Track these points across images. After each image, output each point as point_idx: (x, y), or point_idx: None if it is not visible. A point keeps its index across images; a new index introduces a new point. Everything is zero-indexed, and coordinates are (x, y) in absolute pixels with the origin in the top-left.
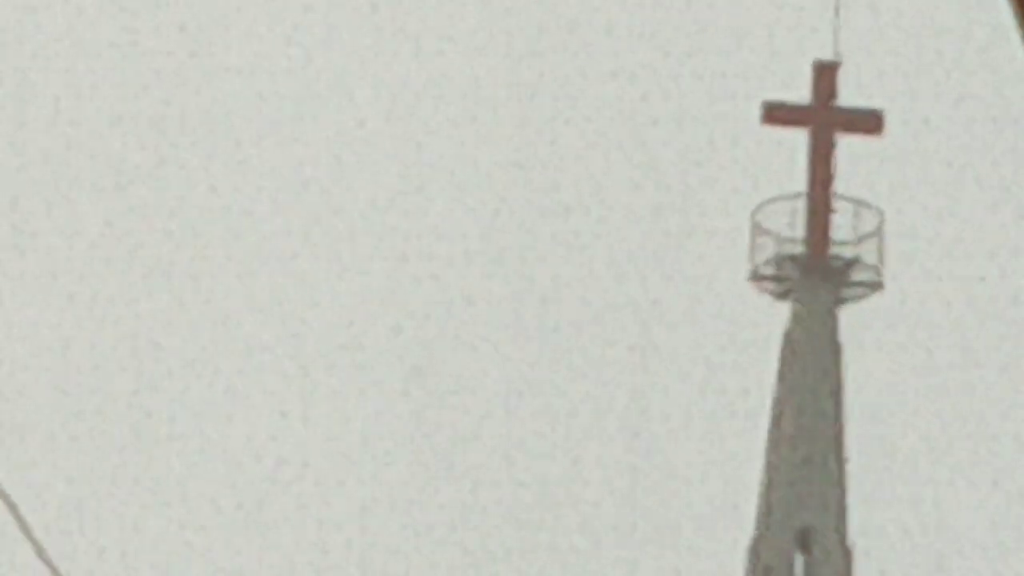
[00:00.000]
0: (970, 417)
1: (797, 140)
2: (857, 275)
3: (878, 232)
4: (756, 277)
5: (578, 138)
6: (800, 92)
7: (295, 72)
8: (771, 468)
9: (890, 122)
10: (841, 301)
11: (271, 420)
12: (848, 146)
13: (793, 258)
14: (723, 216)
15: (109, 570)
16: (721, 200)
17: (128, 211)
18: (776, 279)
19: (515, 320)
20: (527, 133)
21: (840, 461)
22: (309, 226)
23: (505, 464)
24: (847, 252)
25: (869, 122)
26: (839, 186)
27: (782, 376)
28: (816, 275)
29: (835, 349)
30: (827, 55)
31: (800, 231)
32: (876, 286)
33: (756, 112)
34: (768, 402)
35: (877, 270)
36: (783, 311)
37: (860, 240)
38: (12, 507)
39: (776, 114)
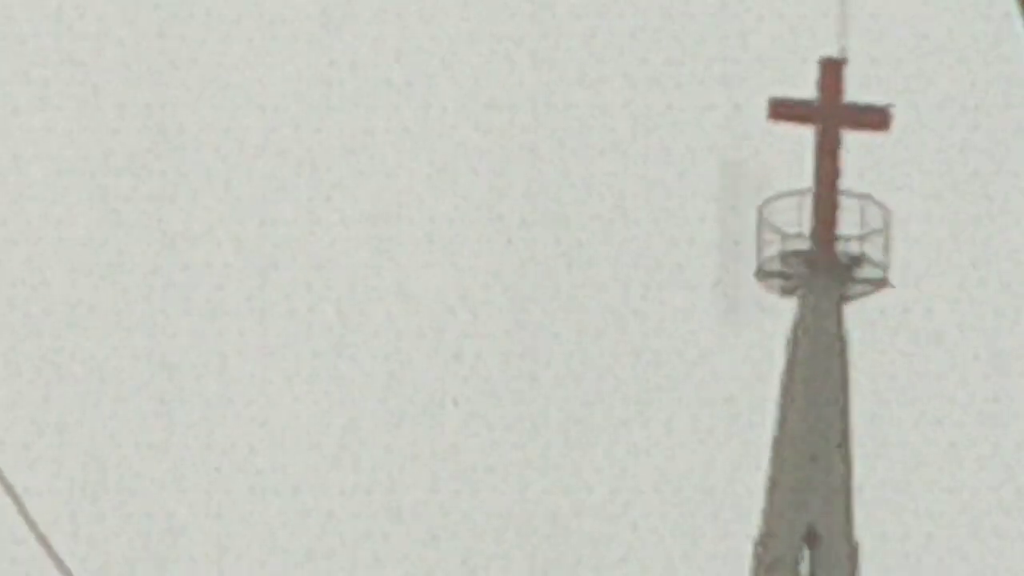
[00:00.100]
0: (977, 414)
1: (803, 136)
2: (863, 272)
3: (884, 228)
4: (762, 273)
5: (584, 133)
6: (807, 88)
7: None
8: (777, 465)
9: (897, 118)
10: (847, 298)
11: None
12: (854, 142)
13: (799, 254)
14: (728, 212)
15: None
16: (726, 196)
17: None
18: (782, 275)
19: (521, 316)
20: (535, 132)
21: (846, 458)
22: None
23: (509, 459)
24: (853, 248)
25: (876, 118)
26: (845, 182)
27: (788, 373)
28: (822, 271)
29: (841, 346)
30: (833, 51)
31: (806, 227)
32: (882, 283)
33: (762, 108)
34: (774, 398)
35: (883, 267)
36: (789, 308)
37: (866, 236)
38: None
39: (782, 110)
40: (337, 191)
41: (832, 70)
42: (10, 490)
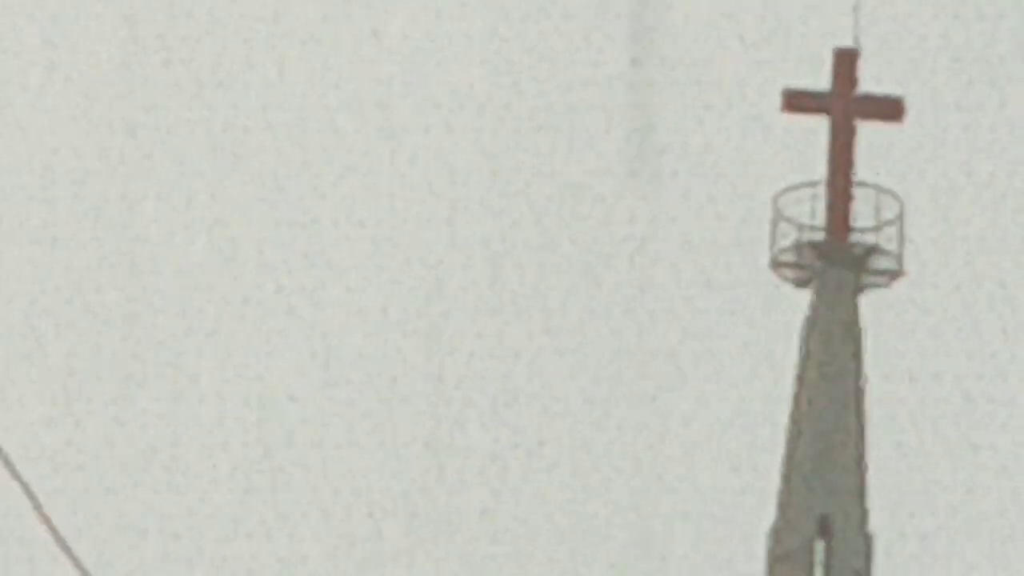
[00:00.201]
0: (990, 404)
1: (818, 127)
2: (877, 262)
3: (898, 219)
4: (777, 264)
5: (602, 127)
6: (821, 79)
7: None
8: (792, 454)
9: (910, 109)
10: (861, 288)
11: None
12: (868, 133)
13: (813, 245)
14: (744, 203)
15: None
16: (742, 187)
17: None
18: (797, 266)
19: (541, 308)
20: (551, 127)
21: (861, 448)
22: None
23: (527, 449)
24: (867, 239)
25: (889, 109)
26: (859, 173)
27: (803, 363)
28: (836, 262)
29: (856, 336)
30: (847, 42)
31: (820, 218)
32: (896, 273)
33: (777, 99)
34: (789, 388)
35: (897, 257)
36: (803, 298)
37: (880, 227)
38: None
39: (796, 101)
40: (334, 188)
41: (846, 61)
42: (26, 488)
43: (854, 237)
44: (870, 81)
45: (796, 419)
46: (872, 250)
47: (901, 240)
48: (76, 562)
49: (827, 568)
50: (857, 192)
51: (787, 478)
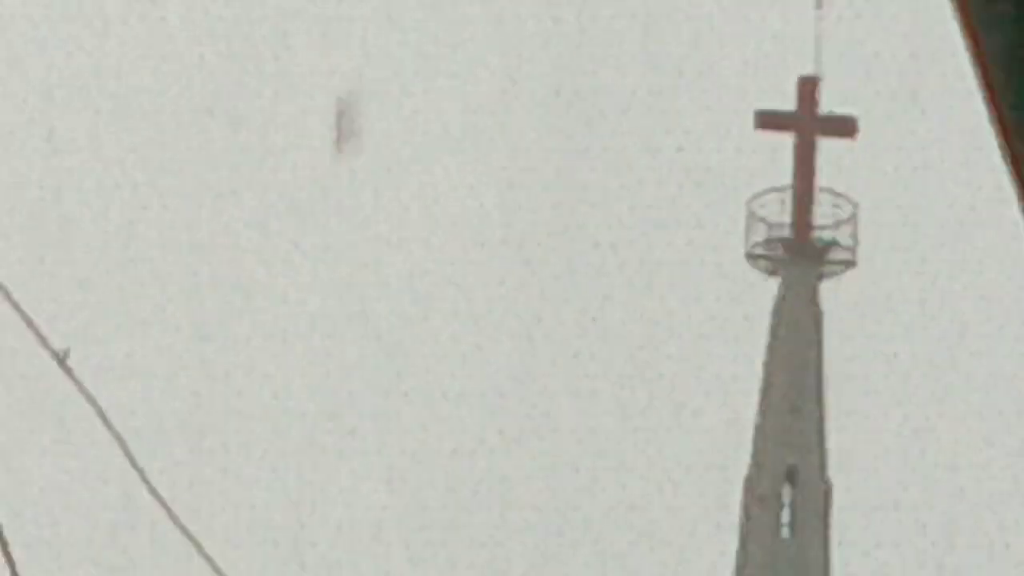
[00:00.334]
0: (929, 369)
1: (785, 142)
2: (835, 255)
3: (852, 219)
4: (750, 257)
5: (597, 139)
6: (787, 102)
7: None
8: (764, 415)
9: (863, 126)
10: (821, 276)
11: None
12: (827, 147)
13: (781, 241)
14: (721, 205)
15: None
16: (719, 192)
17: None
18: (767, 258)
19: (536, 296)
20: (555, 136)
21: (821, 409)
22: None
23: (512, 417)
24: (826, 236)
25: (845, 127)
26: (820, 181)
27: (773, 339)
28: (801, 255)
29: (816, 316)
30: (809, 71)
31: (787, 218)
32: (850, 264)
33: (750, 120)
34: (761, 360)
35: (852, 251)
36: (773, 285)
37: (837, 226)
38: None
39: (767, 121)
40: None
41: (808, 87)
42: (154, 491)
43: (815, 234)
44: (830, 103)
45: (767, 385)
46: (830, 245)
47: (855, 236)
48: (184, 531)
49: (793, 508)
50: (818, 196)
51: (760, 434)
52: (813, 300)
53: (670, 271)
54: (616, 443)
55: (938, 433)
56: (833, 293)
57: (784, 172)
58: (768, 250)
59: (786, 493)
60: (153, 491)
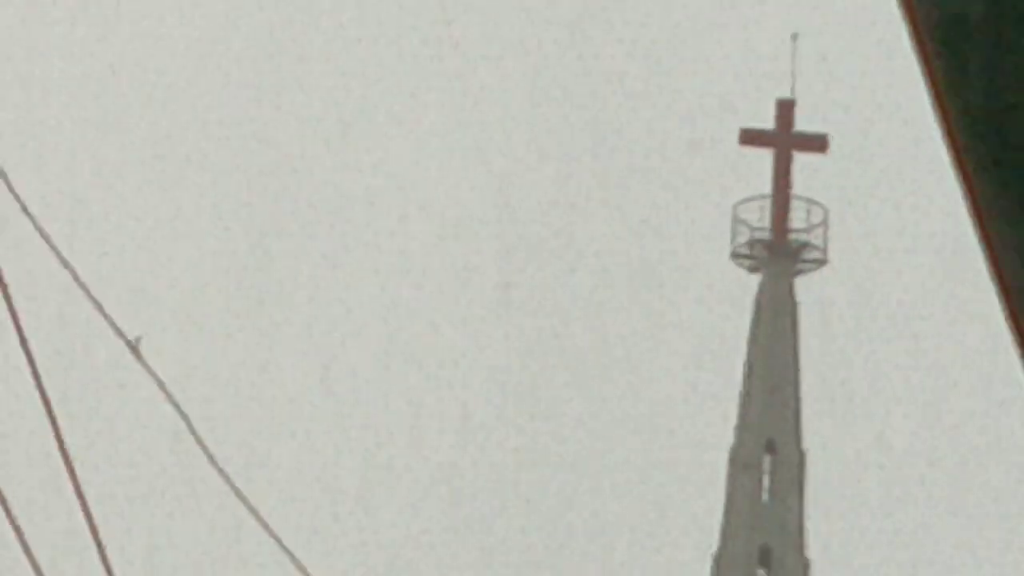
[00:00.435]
0: (892, 353)
1: (765, 156)
2: (808, 254)
3: (824, 223)
4: (735, 256)
5: (597, 157)
6: (767, 121)
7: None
8: (746, 396)
9: (834, 143)
10: (797, 273)
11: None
12: (802, 160)
13: (762, 242)
14: (710, 211)
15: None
16: (709, 199)
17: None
18: (749, 258)
19: (536, 293)
20: (557, 147)
21: (797, 390)
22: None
23: (507, 414)
24: (801, 237)
25: (818, 143)
26: (795, 189)
27: (754, 327)
28: (779, 254)
29: (793, 308)
30: (786, 94)
31: (767, 222)
32: (822, 262)
33: (735, 136)
34: (744, 348)
35: (823, 251)
36: (755, 281)
37: (811, 229)
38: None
39: (749, 137)
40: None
41: (785, 108)
42: (239, 493)
43: (791, 236)
44: (804, 122)
45: (749, 370)
46: (804, 245)
47: (826, 238)
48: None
49: (772, 475)
50: (794, 203)
51: (743, 413)
52: (790, 294)
53: (663, 269)
54: (613, 419)
55: (903, 407)
56: (807, 288)
57: (764, 182)
58: (750, 250)
59: (766, 462)
60: (222, 472)
